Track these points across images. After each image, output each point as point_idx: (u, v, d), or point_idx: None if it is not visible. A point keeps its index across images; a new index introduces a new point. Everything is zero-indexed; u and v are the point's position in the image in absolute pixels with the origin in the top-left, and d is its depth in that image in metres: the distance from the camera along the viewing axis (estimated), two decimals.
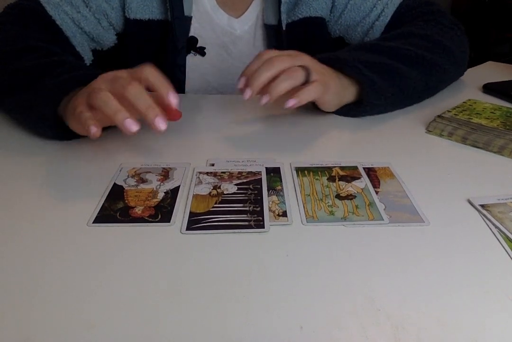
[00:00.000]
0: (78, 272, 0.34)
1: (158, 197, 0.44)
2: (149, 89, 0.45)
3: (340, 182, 0.46)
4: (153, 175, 0.48)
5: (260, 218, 0.40)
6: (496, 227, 0.40)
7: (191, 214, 0.41)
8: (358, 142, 0.56)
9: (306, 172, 0.48)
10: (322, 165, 0.50)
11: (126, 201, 0.43)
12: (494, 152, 0.53)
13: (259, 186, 0.45)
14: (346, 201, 0.43)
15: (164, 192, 0.44)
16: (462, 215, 0.42)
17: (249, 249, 0.37)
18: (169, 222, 0.40)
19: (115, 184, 0.46)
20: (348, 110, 0.62)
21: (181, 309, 0.31)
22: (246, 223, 0.40)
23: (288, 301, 0.32)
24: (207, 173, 0.48)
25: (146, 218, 0.40)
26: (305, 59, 0.55)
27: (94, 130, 0.42)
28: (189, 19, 0.73)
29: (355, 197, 0.44)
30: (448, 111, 0.60)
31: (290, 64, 0.52)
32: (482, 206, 0.42)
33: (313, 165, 0.50)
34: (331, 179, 0.47)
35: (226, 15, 0.75)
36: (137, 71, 0.46)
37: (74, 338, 0.29)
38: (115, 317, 0.30)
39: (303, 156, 0.52)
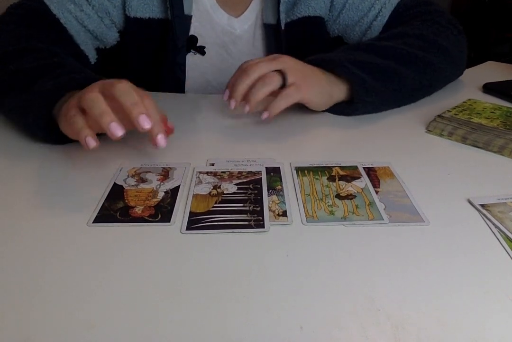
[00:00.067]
0: (78, 272, 0.34)
1: (158, 197, 0.44)
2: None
3: (340, 182, 0.46)
4: (153, 175, 0.47)
5: (260, 218, 0.40)
6: (496, 226, 0.40)
7: (191, 214, 0.41)
8: (358, 142, 0.56)
9: (306, 171, 0.48)
10: (322, 165, 0.50)
11: (126, 201, 0.43)
12: (494, 152, 0.53)
13: (259, 186, 0.45)
14: (346, 200, 0.43)
15: (164, 192, 0.44)
16: (462, 215, 0.42)
17: (249, 249, 0.37)
18: (169, 221, 0.40)
19: (115, 184, 0.46)
20: (340, 109, 0.63)
21: (181, 309, 0.31)
22: (246, 223, 0.40)
23: (288, 301, 0.32)
24: (207, 173, 0.48)
25: (146, 218, 0.40)
26: (285, 62, 0.56)
27: (93, 144, 0.41)
28: (189, 18, 0.73)
29: (355, 196, 0.44)
30: (448, 111, 0.60)
31: (266, 70, 0.55)
32: (482, 205, 0.42)
33: (313, 165, 0.50)
34: (331, 178, 0.47)
35: (226, 14, 0.75)
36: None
37: (74, 338, 0.29)
38: (115, 317, 0.30)
39: (303, 156, 0.52)
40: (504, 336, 0.29)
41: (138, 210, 0.41)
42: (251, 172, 0.48)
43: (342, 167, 0.49)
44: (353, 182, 0.46)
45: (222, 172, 0.48)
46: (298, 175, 0.48)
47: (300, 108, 0.61)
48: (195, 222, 0.40)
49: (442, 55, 0.66)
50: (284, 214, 0.41)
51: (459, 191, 0.45)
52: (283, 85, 0.55)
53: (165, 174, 0.48)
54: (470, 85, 0.75)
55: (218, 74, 0.79)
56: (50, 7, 0.64)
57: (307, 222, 0.40)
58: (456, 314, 0.31)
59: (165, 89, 0.74)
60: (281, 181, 0.47)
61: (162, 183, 0.46)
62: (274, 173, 0.48)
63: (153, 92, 0.67)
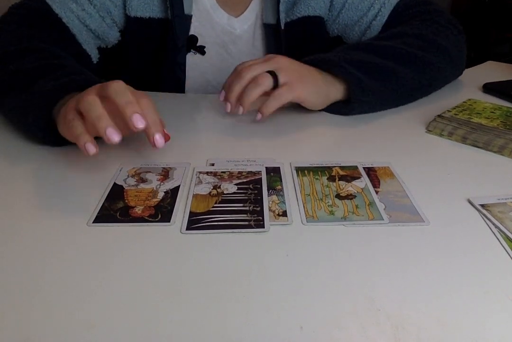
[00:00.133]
0: (78, 272, 0.34)
1: (158, 197, 0.44)
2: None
3: (340, 182, 0.46)
4: (153, 175, 0.47)
5: (260, 218, 0.40)
6: (496, 226, 0.40)
7: (191, 214, 0.41)
8: (358, 142, 0.56)
9: (306, 171, 0.48)
10: (322, 165, 0.50)
11: (126, 201, 0.43)
12: (494, 152, 0.53)
13: (259, 186, 0.45)
14: (346, 200, 0.43)
15: (164, 192, 0.44)
16: (462, 215, 0.42)
17: (249, 249, 0.37)
18: (169, 221, 0.40)
19: (115, 184, 0.46)
20: (337, 108, 0.63)
21: (181, 309, 0.31)
22: (246, 223, 0.40)
23: (288, 301, 0.32)
24: (207, 173, 0.48)
25: (146, 218, 0.40)
26: (279, 62, 0.57)
27: (93, 151, 0.41)
28: (189, 17, 0.73)
29: (355, 196, 0.44)
30: (448, 111, 0.60)
31: (259, 71, 0.56)
32: (482, 205, 0.42)
33: (313, 165, 0.50)
34: (331, 178, 0.47)
35: (226, 14, 0.75)
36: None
37: (74, 338, 0.29)
38: (115, 317, 0.30)
39: (303, 156, 0.52)
40: (504, 336, 0.29)
41: (138, 210, 0.41)
42: (251, 172, 0.48)
43: (342, 167, 0.49)
44: (353, 182, 0.46)
45: (222, 172, 0.48)
46: (298, 175, 0.48)
47: (300, 108, 0.61)
48: (195, 222, 0.40)
49: (441, 55, 0.66)
50: (284, 214, 0.41)
51: (459, 191, 0.45)
52: (277, 86, 0.56)
53: (165, 173, 0.48)
54: (470, 85, 0.75)
55: (218, 74, 0.79)
56: (52, 6, 0.64)
57: (307, 222, 0.40)
58: (456, 314, 0.31)
59: (165, 89, 0.74)
60: (281, 181, 0.47)
61: (162, 183, 0.46)
62: (274, 173, 0.48)
63: (153, 92, 0.68)
